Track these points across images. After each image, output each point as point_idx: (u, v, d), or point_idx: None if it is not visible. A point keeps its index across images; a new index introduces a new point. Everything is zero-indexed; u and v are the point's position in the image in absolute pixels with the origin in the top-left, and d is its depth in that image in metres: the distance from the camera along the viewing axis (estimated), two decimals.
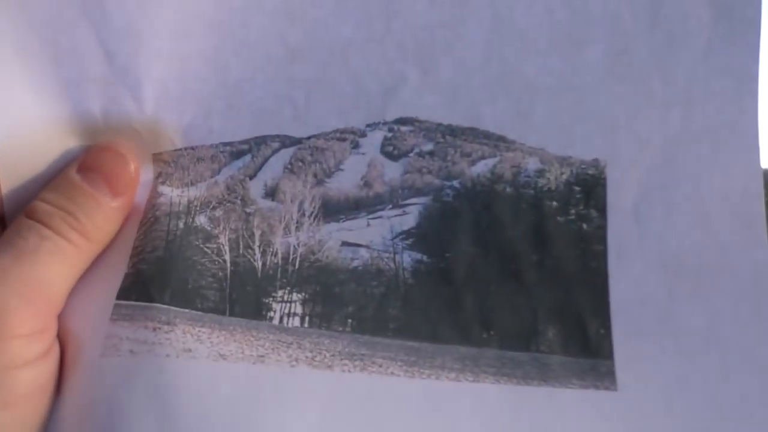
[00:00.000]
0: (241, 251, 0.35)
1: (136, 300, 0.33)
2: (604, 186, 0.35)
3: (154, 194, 0.36)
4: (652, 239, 0.34)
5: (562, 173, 0.35)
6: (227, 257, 0.35)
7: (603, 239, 0.34)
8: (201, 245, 0.35)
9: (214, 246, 0.35)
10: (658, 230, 0.34)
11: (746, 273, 0.33)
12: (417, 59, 0.36)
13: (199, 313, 0.33)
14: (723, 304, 0.33)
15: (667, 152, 0.35)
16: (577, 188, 0.35)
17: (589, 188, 0.35)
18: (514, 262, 0.34)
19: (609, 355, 0.32)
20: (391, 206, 0.36)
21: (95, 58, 0.36)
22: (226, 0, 0.36)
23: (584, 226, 0.34)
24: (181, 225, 0.35)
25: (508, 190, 0.35)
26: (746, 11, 0.34)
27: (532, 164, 0.35)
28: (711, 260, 0.33)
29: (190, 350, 0.32)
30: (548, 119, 0.35)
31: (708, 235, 0.34)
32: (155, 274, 0.34)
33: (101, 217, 0.33)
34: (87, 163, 0.34)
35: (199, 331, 0.33)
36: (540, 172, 0.35)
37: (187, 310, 0.33)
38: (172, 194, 0.36)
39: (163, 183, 0.36)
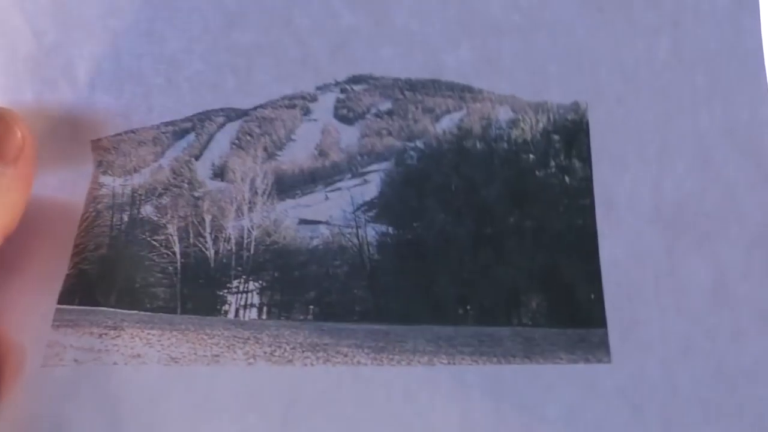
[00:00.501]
0: (191, 240, 0.32)
1: (80, 304, 0.31)
2: (586, 132, 0.30)
3: (95, 186, 0.33)
4: (645, 187, 0.30)
5: (537, 121, 0.31)
6: (177, 248, 0.32)
7: (589, 192, 0.30)
8: (148, 238, 0.32)
9: (162, 237, 0.32)
10: (651, 176, 0.30)
11: (757, 217, 0.29)
12: (366, 9, 0.32)
13: (149, 313, 0.31)
14: (731, 255, 0.29)
15: (657, 86, 0.30)
16: (556, 137, 0.31)
17: (570, 136, 0.31)
18: (491, 227, 0.30)
19: (601, 322, 0.28)
20: (350, 176, 0.32)
21: (22, 37, 0.33)
22: None
23: (567, 179, 0.30)
24: (125, 218, 0.33)
25: (479, 145, 0.31)
26: None
27: (503, 114, 0.31)
28: (715, 205, 0.29)
29: (139, 356, 0.29)
30: (518, 62, 0.31)
31: (710, 177, 0.29)
32: (99, 275, 0.31)
33: None
34: None
35: (149, 333, 0.30)
36: (513, 123, 0.31)
37: (135, 312, 0.31)
38: (115, 184, 0.33)
39: (104, 173, 0.33)
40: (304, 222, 0.32)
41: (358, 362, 0.29)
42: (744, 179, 0.29)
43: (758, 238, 0.28)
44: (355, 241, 0.31)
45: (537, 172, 0.31)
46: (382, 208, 0.31)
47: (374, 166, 0.32)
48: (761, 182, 0.29)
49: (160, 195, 0.33)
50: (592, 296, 0.29)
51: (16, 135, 0.31)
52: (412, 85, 0.32)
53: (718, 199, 0.29)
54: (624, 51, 0.30)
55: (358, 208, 0.32)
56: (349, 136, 0.33)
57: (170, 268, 0.32)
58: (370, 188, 0.32)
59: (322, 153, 0.33)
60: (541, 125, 0.31)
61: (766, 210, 0.29)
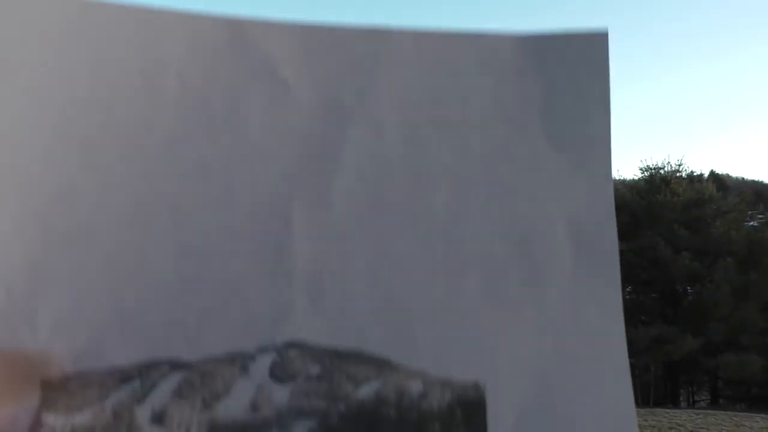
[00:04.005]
0: None
1: None
2: (484, 408, 0.36)
3: (37, 425, 0.36)
4: None
5: (443, 395, 0.36)
6: None
7: None
8: None
9: None
10: None
11: None
12: (305, 288, 0.37)
13: None
14: None
15: (543, 375, 0.36)
16: (458, 410, 0.36)
17: (470, 411, 0.36)
18: None
19: None
20: (277, 430, 0.36)
21: None
22: (125, 238, 0.37)
23: None
24: None
25: (392, 413, 0.36)
26: (604, 246, 0.36)
27: (414, 387, 0.37)
28: None
29: None
30: (429, 343, 0.37)
31: None
32: None
33: None
34: None
35: None
36: (423, 395, 0.36)
37: None
38: (56, 423, 0.36)
39: (47, 410, 0.36)
40: None
41: None
42: None
43: None
44: None
45: None
46: None
47: (300, 424, 0.36)
48: None
49: None
50: None
51: None
52: (339, 354, 0.37)
53: None
54: (517, 343, 0.37)
55: None
56: (280, 395, 0.37)
57: None
58: None
59: (254, 407, 0.37)
60: (446, 399, 0.36)
61: None
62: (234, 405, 0.37)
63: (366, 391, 0.37)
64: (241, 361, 0.37)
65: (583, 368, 0.36)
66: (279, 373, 0.37)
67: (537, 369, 0.36)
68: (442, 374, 0.37)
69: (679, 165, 20.29)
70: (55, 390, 0.36)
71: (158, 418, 0.36)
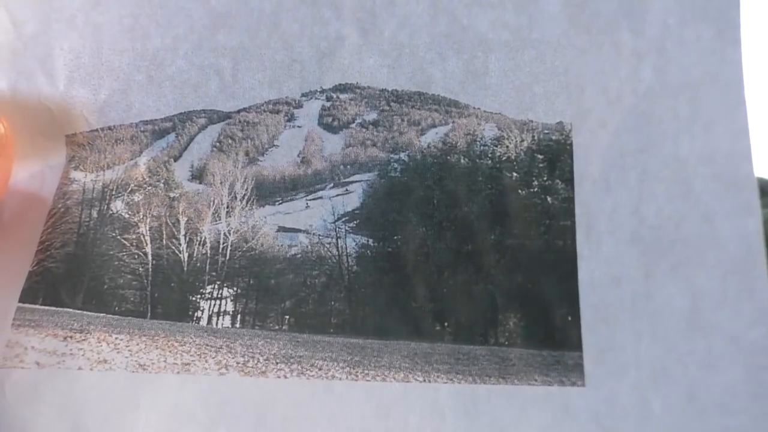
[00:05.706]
0: (164, 241, 0.31)
1: (44, 303, 0.30)
2: (570, 153, 0.30)
3: (66, 181, 0.32)
4: (625, 211, 0.30)
5: (522, 140, 0.31)
6: (148, 249, 0.31)
7: (570, 213, 0.30)
8: (118, 236, 0.31)
9: (134, 237, 0.31)
10: (632, 200, 0.30)
11: (734, 245, 0.29)
12: (355, 18, 0.32)
13: (117, 317, 0.30)
14: (708, 282, 0.29)
15: (640, 111, 0.30)
16: (539, 156, 0.31)
17: (554, 156, 0.31)
18: (471, 243, 0.30)
19: (577, 345, 0.28)
20: (332, 185, 0.32)
21: (1, 26, 0.32)
22: None
23: (549, 199, 0.30)
24: (94, 214, 0.32)
25: (463, 161, 0.31)
26: None
27: (488, 131, 0.31)
28: (693, 232, 0.29)
29: (105, 361, 0.28)
30: (505, 80, 0.31)
31: (689, 204, 0.30)
32: (66, 274, 0.30)
33: None
34: None
35: (117, 338, 0.29)
36: (498, 140, 0.31)
37: (102, 315, 0.30)
38: (86, 180, 0.32)
39: (76, 168, 0.32)
40: (283, 229, 0.31)
41: (333, 376, 0.28)
42: (722, 208, 0.29)
43: (733, 267, 0.29)
44: (335, 251, 0.30)
45: (520, 191, 0.31)
46: (363, 219, 0.31)
47: (357, 177, 0.32)
48: (739, 212, 0.29)
49: (133, 191, 0.32)
50: (569, 318, 0.29)
51: None
52: (399, 97, 0.32)
53: (696, 226, 0.29)
54: (608, 74, 0.31)
55: (338, 218, 0.31)
56: (332, 145, 0.32)
57: (141, 269, 0.31)
58: (352, 199, 0.31)
59: (304, 160, 0.32)
60: (525, 144, 0.31)
61: (742, 240, 0.29)
62: (281, 158, 0.32)
63: (431, 138, 0.32)
64: (285, 109, 0.32)
65: (690, 101, 0.30)
66: (330, 121, 0.33)
67: (634, 103, 0.30)
68: (521, 115, 0.31)
69: None
70: (83, 147, 0.33)
71: (198, 174, 0.32)
